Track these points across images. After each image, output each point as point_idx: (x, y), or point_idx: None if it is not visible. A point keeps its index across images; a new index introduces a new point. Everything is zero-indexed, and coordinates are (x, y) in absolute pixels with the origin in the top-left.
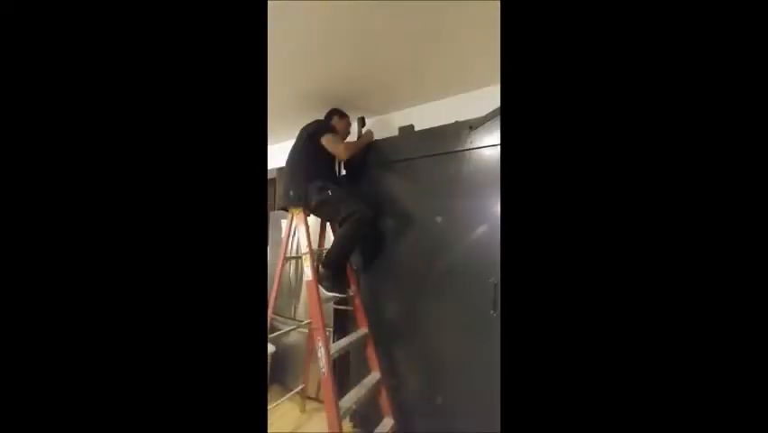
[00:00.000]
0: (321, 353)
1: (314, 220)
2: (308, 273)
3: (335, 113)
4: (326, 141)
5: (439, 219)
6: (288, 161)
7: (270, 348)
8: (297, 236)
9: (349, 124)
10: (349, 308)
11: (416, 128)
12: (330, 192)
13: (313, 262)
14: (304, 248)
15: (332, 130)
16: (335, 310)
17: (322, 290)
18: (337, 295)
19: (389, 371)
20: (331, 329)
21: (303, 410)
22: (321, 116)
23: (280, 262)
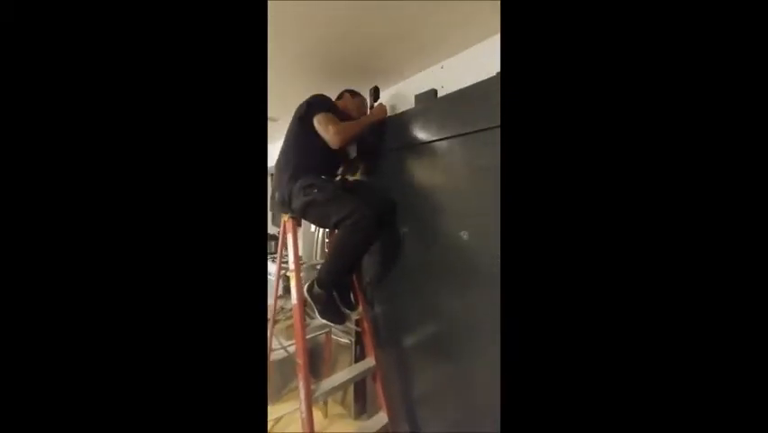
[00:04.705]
0: (302, 394)
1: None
2: (293, 296)
3: (346, 92)
4: (317, 121)
5: (465, 235)
6: (279, 154)
7: (282, 354)
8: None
9: (363, 105)
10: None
11: (445, 91)
12: (316, 190)
13: (299, 282)
14: (291, 263)
15: (329, 108)
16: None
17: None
18: (330, 324)
19: (407, 414)
20: (352, 340)
21: (326, 416)
22: (331, 91)
23: (276, 279)
